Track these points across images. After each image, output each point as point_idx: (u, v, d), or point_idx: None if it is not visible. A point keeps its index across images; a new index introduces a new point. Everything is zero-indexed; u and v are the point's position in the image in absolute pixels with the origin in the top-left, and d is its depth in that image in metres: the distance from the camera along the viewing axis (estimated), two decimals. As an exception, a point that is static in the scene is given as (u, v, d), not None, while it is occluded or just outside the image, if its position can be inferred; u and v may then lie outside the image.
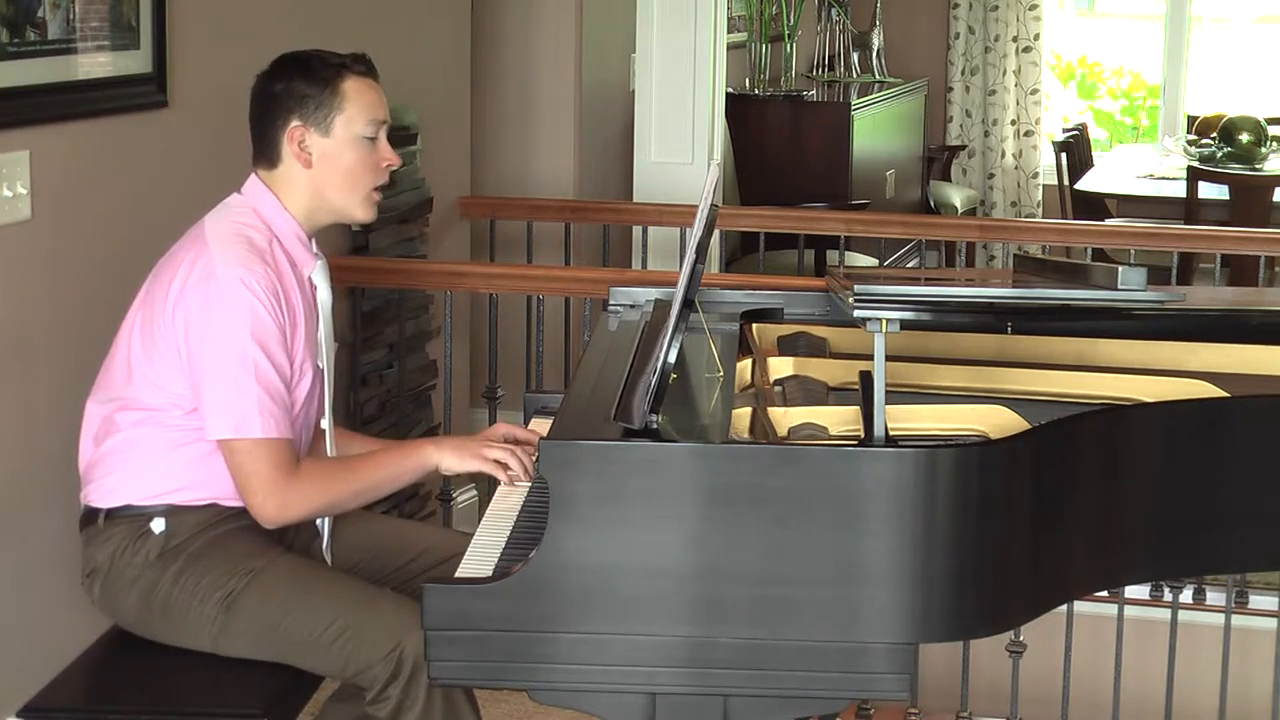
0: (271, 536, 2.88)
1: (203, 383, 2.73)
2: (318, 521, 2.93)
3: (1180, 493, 2.62)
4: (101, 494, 2.84)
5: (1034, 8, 8.68)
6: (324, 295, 2.92)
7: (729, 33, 5.96)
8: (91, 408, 2.88)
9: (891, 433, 2.33)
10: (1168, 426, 2.62)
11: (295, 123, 2.83)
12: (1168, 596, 4.16)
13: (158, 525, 2.80)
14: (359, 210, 2.91)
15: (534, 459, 2.63)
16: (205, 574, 2.78)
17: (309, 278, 2.89)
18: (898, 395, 2.55)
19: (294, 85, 2.83)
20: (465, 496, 4.88)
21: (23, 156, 3.17)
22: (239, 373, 2.71)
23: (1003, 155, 8.77)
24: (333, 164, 2.85)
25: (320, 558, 2.95)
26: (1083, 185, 7.42)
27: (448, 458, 2.86)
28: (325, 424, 2.93)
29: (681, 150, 5.41)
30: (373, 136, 2.87)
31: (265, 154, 2.88)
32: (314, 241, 2.93)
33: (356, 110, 2.85)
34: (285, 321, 2.78)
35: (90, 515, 2.86)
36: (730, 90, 6.34)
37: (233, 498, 2.81)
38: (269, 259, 2.79)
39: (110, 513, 2.82)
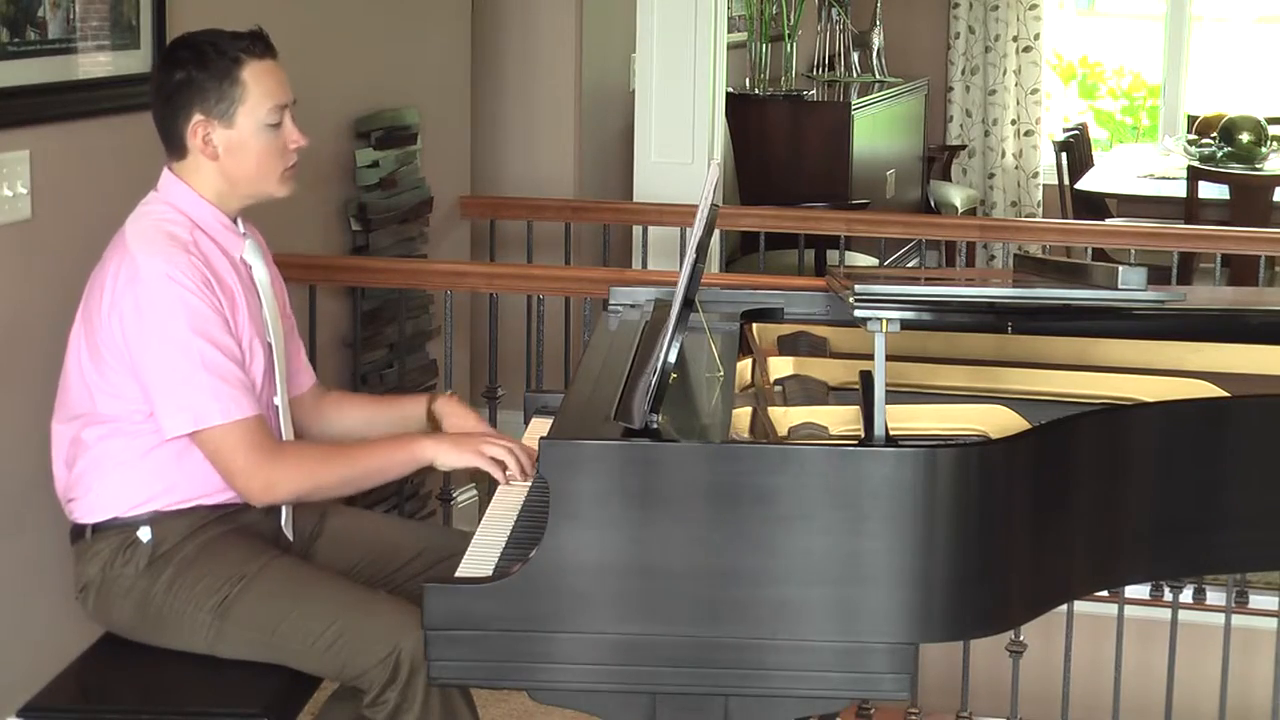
0: (265, 539, 2.87)
1: (150, 384, 2.72)
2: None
3: (1180, 493, 2.62)
4: (85, 511, 2.83)
5: (1034, 7, 8.68)
6: (260, 273, 2.90)
7: (729, 33, 5.96)
8: (57, 429, 2.86)
9: (892, 432, 2.33)
10: (1168, 426, 2.62)
11: (198, 117, 2.79)
12: (1168, 596, 4.16)
13: (145, 534, 2.79)
14: (275, 189, 2.87)
15: (534, 459, 2.62)
16: (198, 581, 2.76)
17: (241, 259, 2.86)
18: (898, 395, 2.55)
19: (192, 76, 2.78)
20: (465, 496, 4.88)
21: (23, 156, 3.17)
22: (184, 366, 2.69)
23: (1003, 155, 8.77)
24: (239, 154, 2.81)
25: (285, 541, 2.92)
26: (1083, 185, 7.42)
27: (443, 453, 2.84)
28: (279, 401, 2.90)
29: (681, 150, 5.40)
30: (277, 123, 2.83)
31: (172, 145, 2.84)
32: (239, 222, 2.89)
33: (258, 99, 2.80)
34: (222, 304, 2.75)
35: (78, 530, 2.85)
36: (730, 90, 6.33)
37: (215, 493, 2.80)
38: (193, 249, 2.76)
39: (97, 527, 2.81)
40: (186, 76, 2.78)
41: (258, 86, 2.80)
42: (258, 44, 2.82)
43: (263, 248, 2.94)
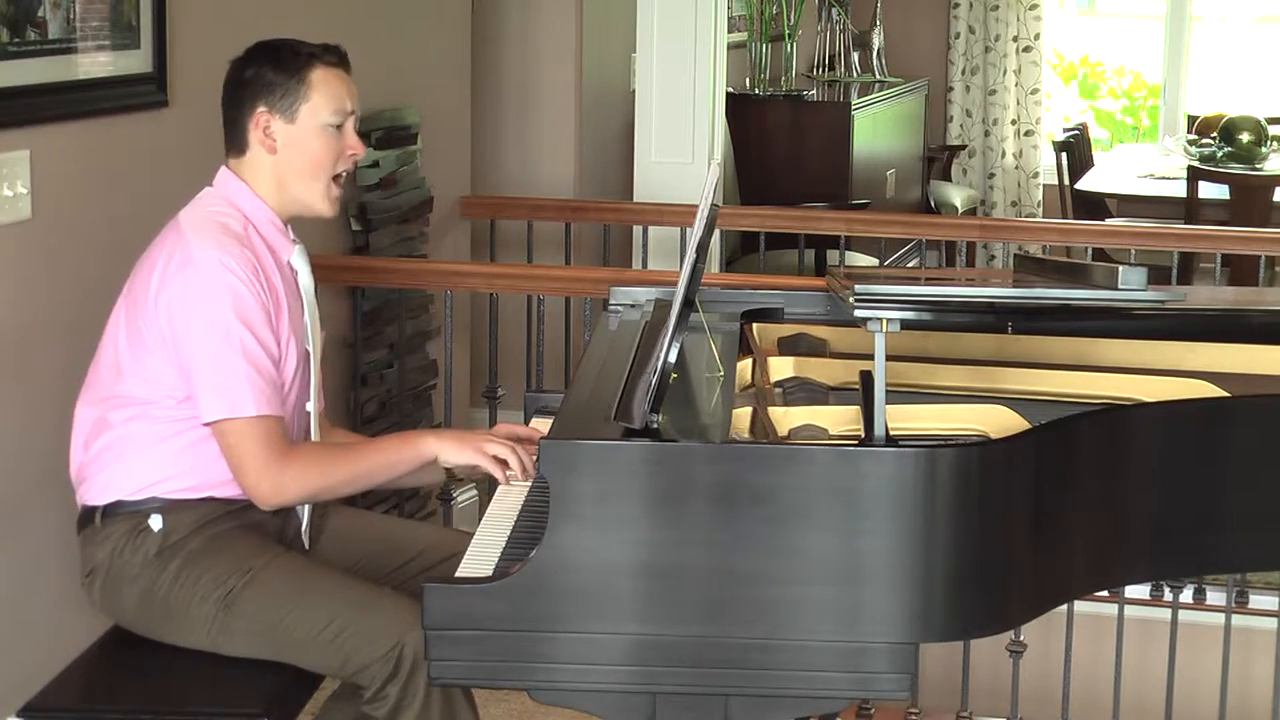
0: (270, 535, 2.88)
1: (192, 367, 2.74)
2: (297, 507, 2.93)
3: (1180, 493, 2.62)
4: (95, 492, 2.84)
5: (1034, 7, 8.68)
6: (305, 280, 2.93)
7: (729, 33, 5.96)
8: (82, 411, 2.88)
9: (892, 433, 2.33)
10: (1168, 426, 2.62)
11: (261, 109, 2.85)
12: (1168, 596, 4.16)
13: (156, 522, 2.80)
14: (321, 202, 2.90)
15: (534, 458, 2.63)
16: (205, 572, 2.78)
17: (288, 262, 2.90)
18: (898, 395, 2.55)
19: (263, 72, 2.86)
20: (465, 496, 4.88)
21: (23, 156, 3.17)
22: (226, 352, 2.72)
23: (1003, 155, 8.77)
24: (296, 151, 2.86)
25: (300, 545, 2.94)
26: (1083, 185, 7.42)
27: (447, 449, 2.85)
28: (310, 407, 2.93)
29: (681, 150, 5.40)
30: (338, 125, 2.88)
31: (235, 140, 2.90)
32: (290, 228, 2.93)
33: (322, 99, 2.86)
34: (268, 300, 2.79)
35: (87, 515, 2.86)
36: (730, 90, 6.33)
37: (224, 486, 2.82)
38: (246, 242, 2.81)
39: (106, 511, 2.82)
40: (257, 72, 2.86)
41: (324, 88, 2.86)
42: (332, 53, 2.91)
43: (309, 259, 2.96)
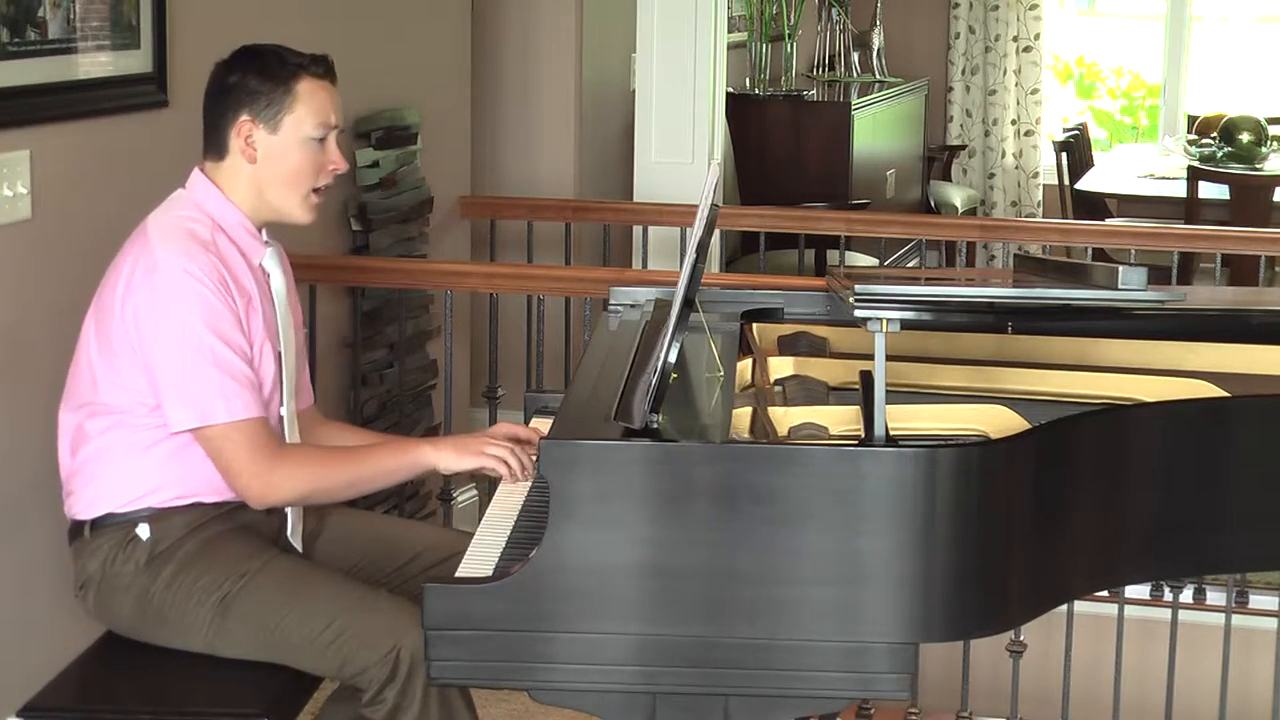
0: (266, 537, 2.88)
1: (159, 376, 2.73)
2: (286, 509, 2.91)
3: (1180, 493, 2.62)
4: (83, 505, 2.83)
5: (1034, 7, 8.69)
6: (278, 283, 2.91)
7: (729, 33, 5.96)
8: (64, 417, 2.87)
9: (892, 433, 2.33)
10: (1168, 426, 2.62)
11: (244, 117, 2.82)
12: (1168, 596, 4.16)
13: (144, 531, 2.79)
14: (298, 211, 2.88)
15: (534, 458, 2.63)
16: (199, 578, 2.77)
17: (260, 265, 2.88)
18: (898, 395, 2.55)
19: (248, 80, 2.82)
20: (465, 496, 4.88)
21: (23, 156, 3.17)
22: (194, 360, 2.70)
23: (1003, 155, 8.77)
24: (277, 162, 2.84)
25: (286, 545, 2.93)
26: (1083, 185, 7.42)
27: (446, 457, 2.84)
28: (284, 411, 2.91)
29: (681, 150, 5.40)
30: (321, 138, 2.86)
31: (214, 145, 2.87)
32: (264, 231, 2.91)
33: (307, 111, 2.83)
34: (238, 305, 2.77)
35: (76, 528, 2.85)
36: (730, 90, 6.33)
37: (213, 492, 2.81)
38: (212, 248, 2.78)
39: (95, 523, 2.82)
40: (242, 79, 2.83)
41: (310, 100, 2.84)
42: (319, 65, 2.87)
43: (283, 259, 2.95)
